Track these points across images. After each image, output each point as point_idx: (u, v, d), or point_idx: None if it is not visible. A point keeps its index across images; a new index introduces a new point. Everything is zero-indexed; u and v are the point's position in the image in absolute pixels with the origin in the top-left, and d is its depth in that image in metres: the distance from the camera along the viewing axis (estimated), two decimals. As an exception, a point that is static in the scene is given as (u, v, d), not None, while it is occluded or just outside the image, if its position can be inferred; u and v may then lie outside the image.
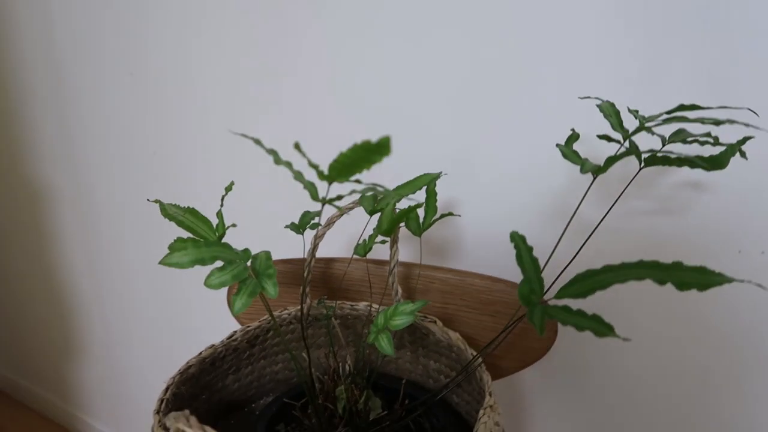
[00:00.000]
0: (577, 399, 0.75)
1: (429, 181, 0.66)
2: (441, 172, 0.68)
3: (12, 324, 1.71)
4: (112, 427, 1.55)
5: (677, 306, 0.65)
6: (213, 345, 0.60)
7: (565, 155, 0.49)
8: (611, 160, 0.46)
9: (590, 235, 0.53)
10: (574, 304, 0.44)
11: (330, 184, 0.37)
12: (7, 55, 1.23)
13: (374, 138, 0.29)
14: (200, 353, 0.59)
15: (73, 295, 1.44)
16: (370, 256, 0.72)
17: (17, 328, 1.70)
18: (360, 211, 0.65)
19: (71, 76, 1.13)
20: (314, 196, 0.39)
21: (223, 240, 0.48)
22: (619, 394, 0.72)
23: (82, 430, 1.63)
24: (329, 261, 0.74)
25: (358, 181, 0.36)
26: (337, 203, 0.39)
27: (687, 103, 0.46)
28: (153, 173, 1.08)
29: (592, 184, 0.49)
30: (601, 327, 0.40)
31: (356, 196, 0.54)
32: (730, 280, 0.40)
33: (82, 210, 1.28)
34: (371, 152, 0.31)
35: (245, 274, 0.44)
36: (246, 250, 0.46)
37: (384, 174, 0.78)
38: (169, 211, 0.50)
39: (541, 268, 0.48)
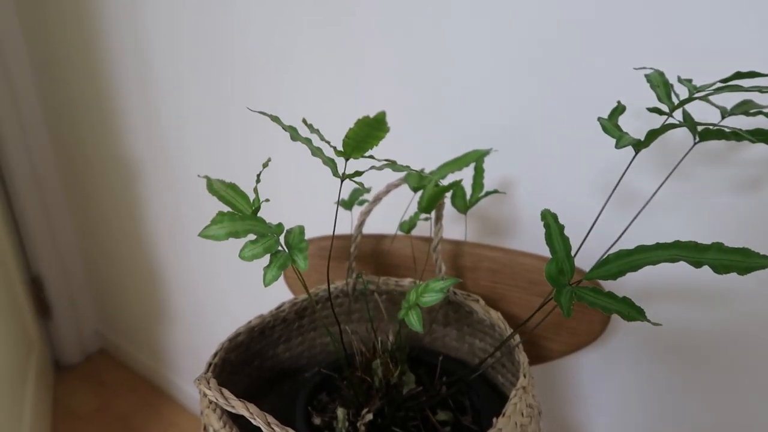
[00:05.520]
0: (647, 383, 0.72)
1: (477, 158, 0.65)
2: (491, 149, 0.66)
3: (113, 289, 1.86)
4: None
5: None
6: (261, 315, 0.63)
7: (604, 128, 0.46)
8: (653, 134, 0.43)
9: (638, 213, 0.50)
10: (609, 285, 0.42)
11: (347, 160, 0.38)
12: (101, 51, 1.33)
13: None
14: (249, 322, 0.62)
15: (160, 263, 1.55)
16: (422, 232, 0.73)
17: (117, 293, 1.85)
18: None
19: (155, 64, 1.20)
20: (334, 171, 0.39)
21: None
22: (697, 374, 0.68)
23: (170, 389, 1.77)
24: (380, 238, 0.75)
25: (371, 157, 0.36)
26: (357, 179, 0.39)
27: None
28: (231, 154, 1.13)
29: (633, 159, 0.46)
30: (630, 310, 0.39)
31: (397, 175, 0.54)
32: (775, 264, 0.37)
33: (165, 184, 1.37)
34: (373, 128, 0.31)
35: (276, 247, 0.46)
36: (279, 225, 0.47)
37: (438, 151, 0.77)
38: (214, 186, 0.52)
39: (580, 245, 0.47)
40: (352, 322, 0.71)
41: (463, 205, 0.64)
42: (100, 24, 1.29)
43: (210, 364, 0.56)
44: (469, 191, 0.66)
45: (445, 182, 0.64)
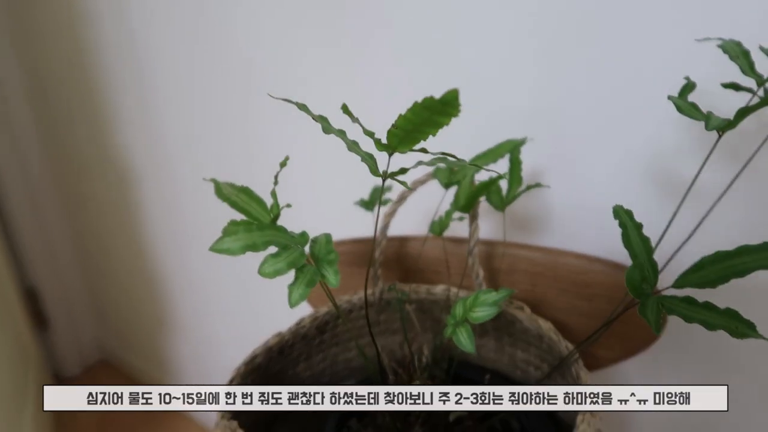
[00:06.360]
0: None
1: (512, 148, 0.58)
2: (526, 138, 0.60)
3: (114, 298, 1.79)
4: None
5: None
6: (280, 332, 0.57)
7: (680, 109, 0.40)
8: (743, 113, 0.37)
9: (711, 208, 0.44)
10: (698, 294, 0.36)
11: (391, 155, 0.31)
12: (93, 54, 1.26)
13: (438, 93, 0.23)
14: (266, 342, 0.56)
15: (162, 269, 1.48)
16: (448, 232, 0.66)
17: (118, 302, 1.78)
18: (436, 183, 0.58)
19: (152, 67, 1.13)
20: (374, 170, 0.33)
21: (281, 221, 0.43)
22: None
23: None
24: (404, 240, 0.68)
25: (423, 150, 0.30)
26: (401, 177, 0.33)
27: None
28: (231, 153, 1.06)
29: (717, 143, 0.40)
30: (739, 325, 0.32)
31: (424, 169, 0.47)
32: None
33: (164, 190, 1.30)
34: (436, 112, 0.24)
35: (302, 260, 0.39)
36: (303, 234, 0.41)
37: (458, 141, 0.70)
38: (223, 191, 0.46)
39: (654, 246, 0.40)
40: (377, 336, 0.64)
41: (499, 202, 0.58)
42: (91, 21, 1.22)
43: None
44: (504, 186, 0.59)
45: (477, 176, 0.57)
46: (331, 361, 0.64)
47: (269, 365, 0.56)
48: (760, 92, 0.43)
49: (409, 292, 0.60)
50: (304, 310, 0.65)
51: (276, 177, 0.42)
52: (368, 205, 0.63)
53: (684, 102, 0.40)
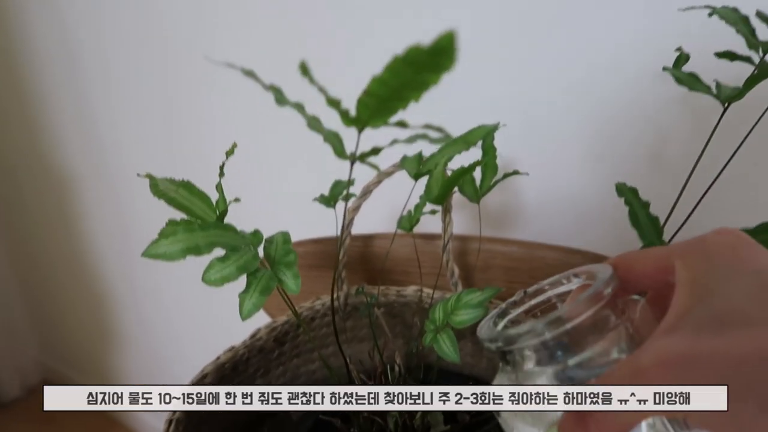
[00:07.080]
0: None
1: (485, 135, 0.53)
2: (499, 123, 0.55)
3: (52, 314, 1.67)
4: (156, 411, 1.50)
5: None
6: (233, 347, 0.50)
7: (679, 81, 0.36)
8: (752, 81, 0.33)
9: (709, 188, 0.40)
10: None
11: (360, 131, 0.25)
12: (22, 49, 1.15)
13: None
14: (218, 357, 0.49)
15: (105, 281, 1.38)
16: (418, 228, 0.61)
17: (57, 318, 1.67)
18: (403, 175, 0.53)
19: (85, 61, 1.04)
20: (339, 151, 0.27)
21: (229, 219, 0.37)
22: None
23: (125, 418, 1.60)
24: (369, 238, 0.62)
25: (401, 124, 0.24)
26: (372, 159, 0.27)
27: None
28: (174, 151, 0.98)
29: (723, 115, 0.35)
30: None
31: (401, 149, 0.41)
32: None
33: (104, 194, 1.21)
34: (423, 68, 0.19)
35: (255, 264, 0.33)
36: (256, 233, 0.35)
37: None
38: (160, 187, 0.39)
39: (663, 224, 0.36)
40: (343, 344, 0.58)
41: (473, 193, 0.53)
42: (20, 13, 1.12)
43: (170, 422, 0.43)
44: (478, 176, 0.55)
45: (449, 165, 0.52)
46: (291, 375, 0.58)
47: (221, 383, 0.50)
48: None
49: (377, 295, 0.55)
50: (262, 319, 0.58)
51: (222, 168, 0.36)
52: (328, 200, 0.57)
53: (682, 73, 0.36)
